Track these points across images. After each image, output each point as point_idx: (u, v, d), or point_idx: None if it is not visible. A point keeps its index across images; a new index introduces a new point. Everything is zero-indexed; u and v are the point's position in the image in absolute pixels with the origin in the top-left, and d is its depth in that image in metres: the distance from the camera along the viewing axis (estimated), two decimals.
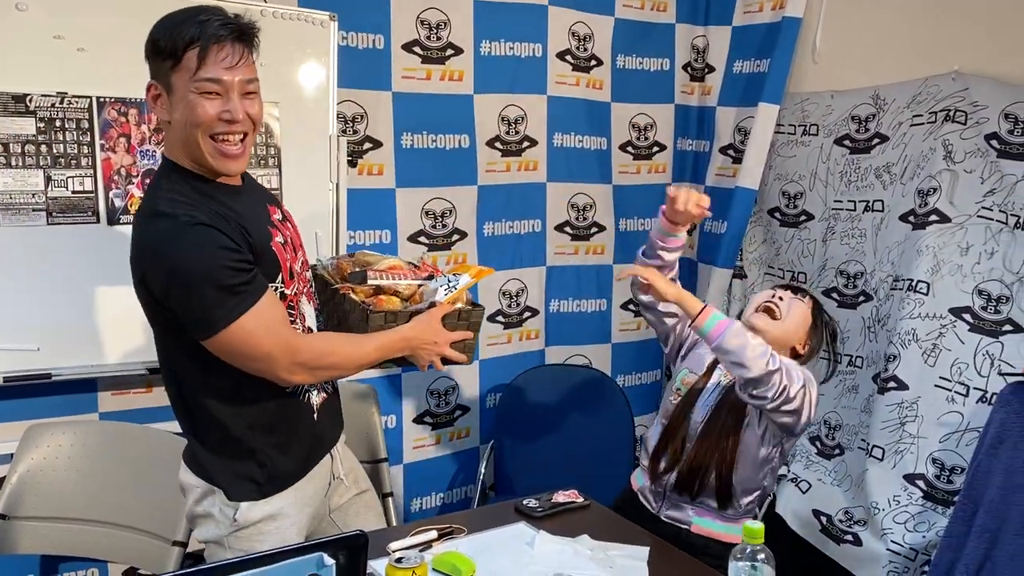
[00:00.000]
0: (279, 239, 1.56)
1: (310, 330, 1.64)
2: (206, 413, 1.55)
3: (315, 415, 1.65)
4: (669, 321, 2.09)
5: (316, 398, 1.65)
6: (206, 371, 1.50)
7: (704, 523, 1.92)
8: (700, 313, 1.74)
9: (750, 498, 1.92)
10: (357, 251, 1.85)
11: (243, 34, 1.44)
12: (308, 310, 1.65)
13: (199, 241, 1.39)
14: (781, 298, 1.94)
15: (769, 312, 1.92)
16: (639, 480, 2.05)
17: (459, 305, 1.68)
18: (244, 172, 1.58)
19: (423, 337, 1.61)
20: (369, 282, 1.65)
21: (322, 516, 1.76)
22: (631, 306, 3.25)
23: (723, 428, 1.87)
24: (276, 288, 1.52)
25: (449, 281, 1.71)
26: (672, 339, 2.11)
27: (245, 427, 1.56)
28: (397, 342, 1.59)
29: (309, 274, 1.71)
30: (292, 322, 1.56)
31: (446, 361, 1.67)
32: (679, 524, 1.94)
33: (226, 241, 1.40)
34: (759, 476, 1.91)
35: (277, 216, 1.62)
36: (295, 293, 1.59)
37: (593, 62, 3.10)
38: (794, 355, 1.95)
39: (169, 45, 1.40)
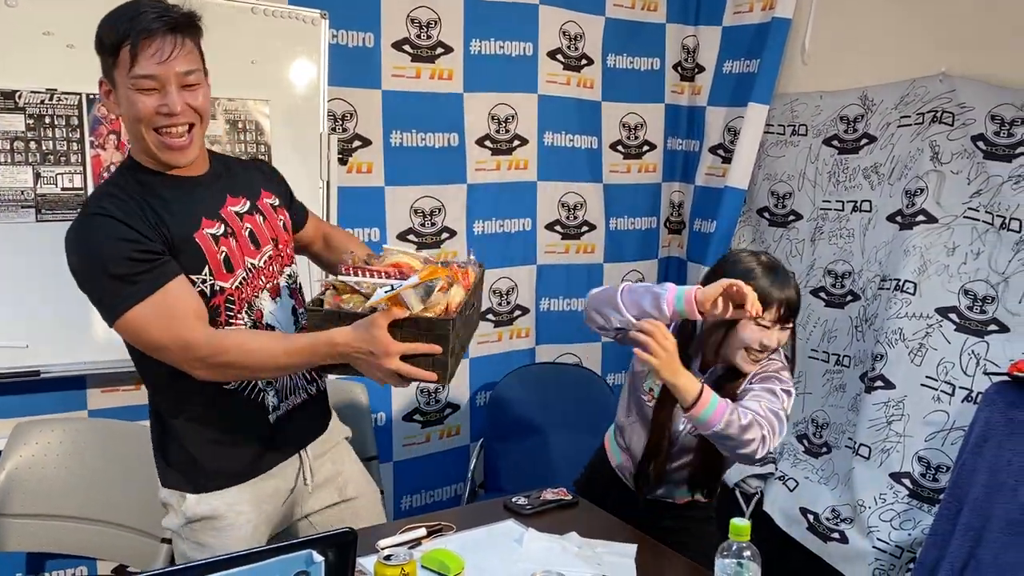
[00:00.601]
0: (214, 231, 1.51)
1: (269, 327, 1.58)
2: (150, 400, 1.60)
3: (271, 416, 1.60)
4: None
5: (273, 399, 1.60)
6: (141, 358, 1.52)
7: (685, 493, 1.94)
8: (698, 400, 1.60)
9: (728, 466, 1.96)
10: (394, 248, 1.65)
11: (177, 25, 1.42)
12: (269, 305, 1.59)
13: (100, 232, 1.41)
14: (770, 347, 1.75)
15: (757, 359, 1.78)
16: (617, 457, 2.01)
17: (414, 313, 1.42)
18: (228, 160, 1.65)
19: (356, 345, 1.40)
20: (340, 277, 1.50)
21: (290, 518, 1.72)
22: None
23: (703, 444, 1.83)
24: (204, 281, 1.48)
25: (408, 282, 1.45)
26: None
27: (181, 418, 1.56)
28: (322, 347, 1.42)
29: (290, 269, 1.67)
30: (234, 317, 1.51)
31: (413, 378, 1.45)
32: (664, 499, 1.96)
33: (126, 232, 1.40)
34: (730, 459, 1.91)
35: (238, 207, 1.57)
36: (240, 287, 1.53)
37: (584, 61, 3.11)
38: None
39: (107, 42, 1.41)
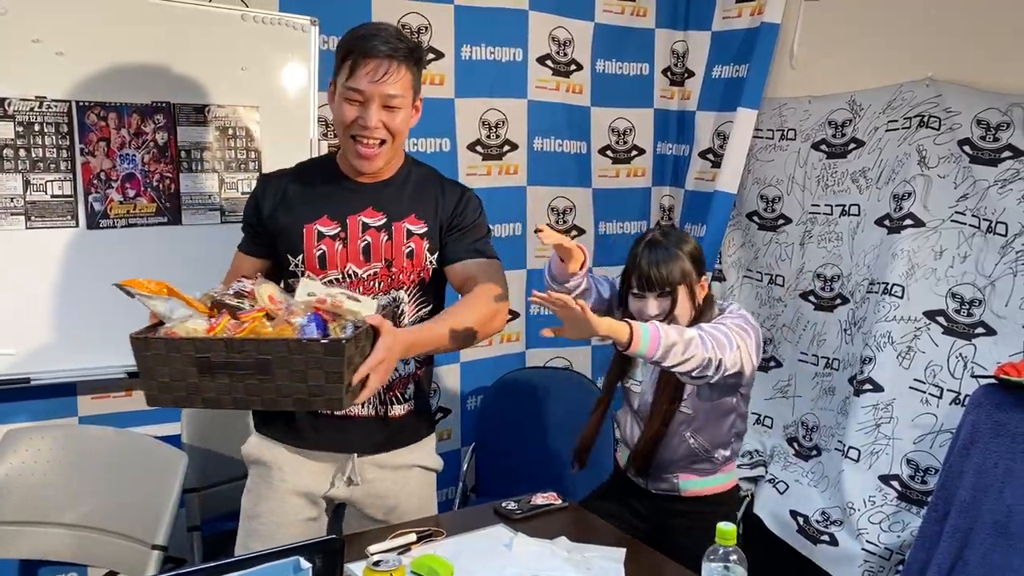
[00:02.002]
0: (326, 229, 1.68)
1: None
2: None
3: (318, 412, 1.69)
4: (605, 297, 2.07)
5: None
6: None
7: (691, 485, 2.00)
8: (631, 337, 1.64)
9: (725, 451, 2.00)
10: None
11: (397, 54, 1.59)
12: None
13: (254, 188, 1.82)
14: (656, 315, 1.87)
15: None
16: (623, 456, 2.11)
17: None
18: (423, 179, 1.76)
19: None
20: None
21: (346, 501, 1.80)
22: None
23: (666, 409, 1.94)
24: (297, 265, 1.69)
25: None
26: (615, 314, 2.06)
27: None
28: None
29: (398, 293, 1.72)
30: None
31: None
32: (670, 493, 2.01)
33: (254, 200, 1.76)
34: (724, 428, 1.98)
35: (370, 219, 1.69)
36: (330, 285, 1.62)
37: (573, 67, 3.12)
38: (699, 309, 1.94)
39: (340, 52, 1.62)
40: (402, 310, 1.73)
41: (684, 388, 1.94)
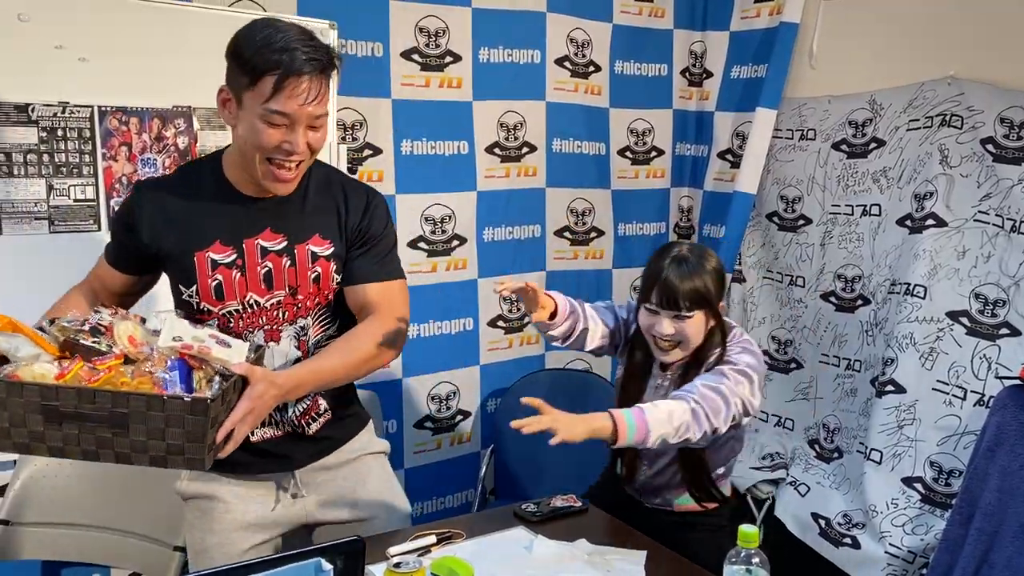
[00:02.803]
0: (219, 257, 1.53)
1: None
2: None
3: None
4: (600, 353, 2.00)
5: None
6: None
7: (684, 500, 1.93)
8: (615, 431, 1.59)
9: (720, 469, 1.90)
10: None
11: (325, 68, 1.43)
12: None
13: (127, 198, 1.64)
14: (667, 335, 1.78)
15: (664, 347, 1.81)
16: (618, 466, 2.04)
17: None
18: (327, 186, 1.61)
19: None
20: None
21: (300, 522, 1.71)
22: None
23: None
24: (191, 296, 1.54)
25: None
26: (621, 347, 2.03)
27: None
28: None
29: (305, 321, 1.60)
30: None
31: None
32: (662, 508, 1.95)
33: (128, 214, 1.58)
34: (719, 456, 1.88)
35: (269, 243, 1.55)
36: (230, 316, 1.55)
37: (591, 68, 3.12)
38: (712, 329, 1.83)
39: (249, 65, 1.39)
40: (307, 335, 1.60)
41: None
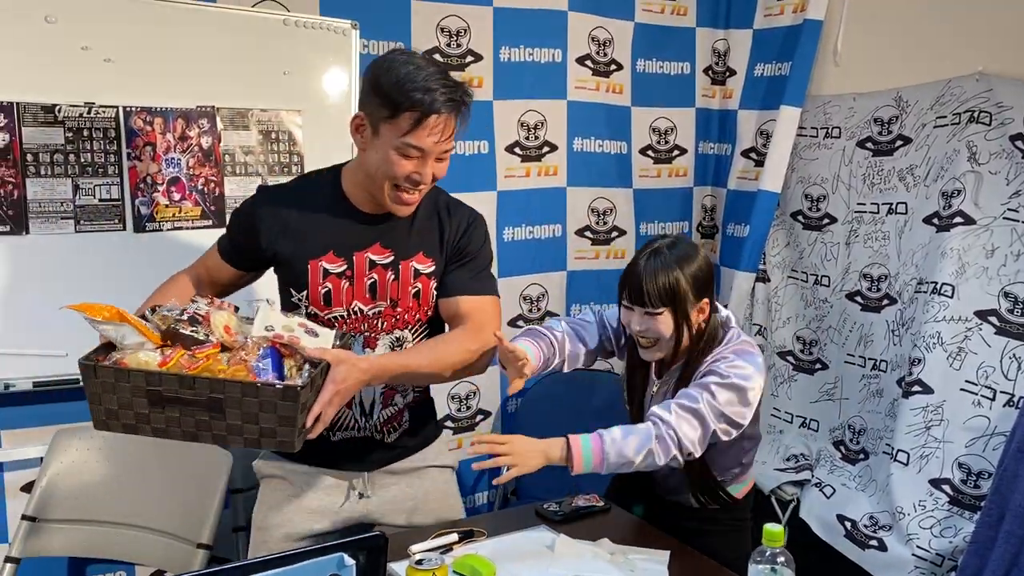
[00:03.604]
0: (331, 266, 1.63)
1: None
2: None
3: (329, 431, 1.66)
4: (589, 364, 1.99)
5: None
6: None
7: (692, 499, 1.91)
8: (571, 458, 1.59)
9: (735, 468, 1.87)
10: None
11: (459, 107, 1.52)
12: (357, 350, 1.65)
13: (245, 201, 1.74)
14: (639, 331, 1.75)
15: (643, 345, 1.79)
16: None
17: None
18: (434, 210, 1.71)
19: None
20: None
21: (363, 517, 1.77)
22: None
23: None
24: (301, 300, 1.64)
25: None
26: (619, 350, 2.01)
27: None
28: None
29: (402, 333, 1.69)
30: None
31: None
32: (679, 501, 1.92)
33: (250, 220, 1.66)
34: (727, 458, 1.84)
35: (377, 257, 1.64)
36: (335, 322, 1.64)
37: (613, 67, 3.11)
38: (699, 332, 1.78)
39: (390, 99, 1.48)
40: (402, 347, 1.69)
41: None
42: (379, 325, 1.66)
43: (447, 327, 1.72)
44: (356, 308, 1.65)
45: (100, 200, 2.18)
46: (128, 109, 2.18)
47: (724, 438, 1.69)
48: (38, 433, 2.23)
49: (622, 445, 1.60)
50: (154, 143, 2.22)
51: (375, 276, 1.65)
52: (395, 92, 1.47)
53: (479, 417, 3.02)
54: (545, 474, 2.86)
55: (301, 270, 1.63)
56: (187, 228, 2.28)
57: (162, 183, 2.24)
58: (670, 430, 1.62)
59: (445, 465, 1.87)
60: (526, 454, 1.59)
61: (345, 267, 1.63)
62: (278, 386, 1.35)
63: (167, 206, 2.25)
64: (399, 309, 1.67)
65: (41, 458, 2.15)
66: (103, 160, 2.17)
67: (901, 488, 2.46)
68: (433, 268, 1.68)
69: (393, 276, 1.65)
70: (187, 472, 2.12)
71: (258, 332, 1.44)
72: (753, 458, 1.93)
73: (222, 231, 1.79)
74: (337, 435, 1.71)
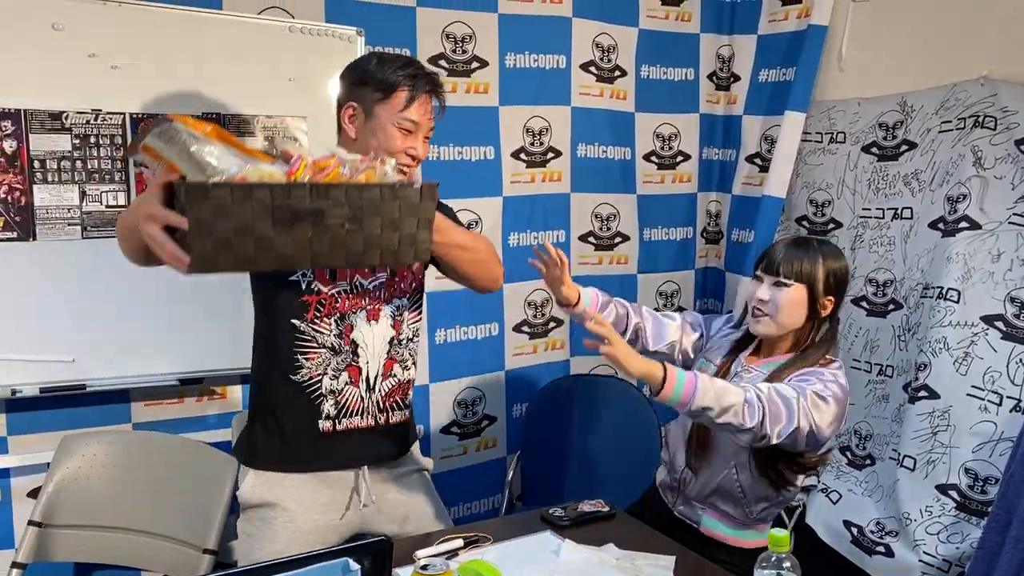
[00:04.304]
0: None
1: (354, 343, 1.71)
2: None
3: (322, 423, 1.70)
4: (663, 357, 2.00)
5: (331, 408, 1.70)
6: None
7: (712, 524, 1.90)
8: (665, 380, 1.59)
9: (765, 504, 1.86)
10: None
11: (439, 93, 1.73)
12: (362, 325, 1.71)
13: None
14: (762, 300, 1.81)
15: (757, 314, 1.83)
16: (661, 474, 2.07)
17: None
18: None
19: (136, 207, 1.46)
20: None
21: (359, 532, 1.79)
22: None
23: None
24: (304, 275, 1.64)
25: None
26: (680, 359, 2.05)
27: (257, 397, 1.76)
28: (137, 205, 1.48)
29: (400, 301, 1.77)
30: (320, 319, 1.66)
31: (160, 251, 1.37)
32: (689, 521, 1.94)
33: None
34: (771, 486, 1.84)
35: None
36: (337, 296, 1.68)
37: (617, 73, 3.11)
38: (809, 329, 1.84)
39: (386, 82, 1.66)
40: (402, 316, 1.78)
41: None
42: (380, 295, 1.74)
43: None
44: (358, 282, 1.71)
45: (107, 206, 2.19)
46: (135, 116, 2.19)
47: (779, 439, 1.65)
48: (45, 439, 2.24)
49: (715, 391, 1.60)
50: None
51: None
52: (389, 76, 1.66)
53: (485, 423, 3.02)
54: (551, 480, 2.87)
55: None
56: None
57: None
58: (762, 402, 1.62)
59: (426, 469, 1.93)
60: (630, 354, 1.61)
61: None
62: (416, 185, 1.35)
63: None
64: (397, 279, 1.76)
65: (48, 464, 2.16)
66: (110, 167, 2.18)
67: (908, 494, 2.45)
68: None
69: None
70: (193, 477, 2.13)
71: (348, 156, 1.41)
72: (777, 514, 1.92)
73: None
74: (343, 422, 1.72)
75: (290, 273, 1.63)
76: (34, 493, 2.17)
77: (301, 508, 1.71)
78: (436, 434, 2.91)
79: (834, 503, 2.69)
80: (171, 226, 1.31)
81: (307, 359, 1.67)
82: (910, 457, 2.47)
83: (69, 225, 2.15)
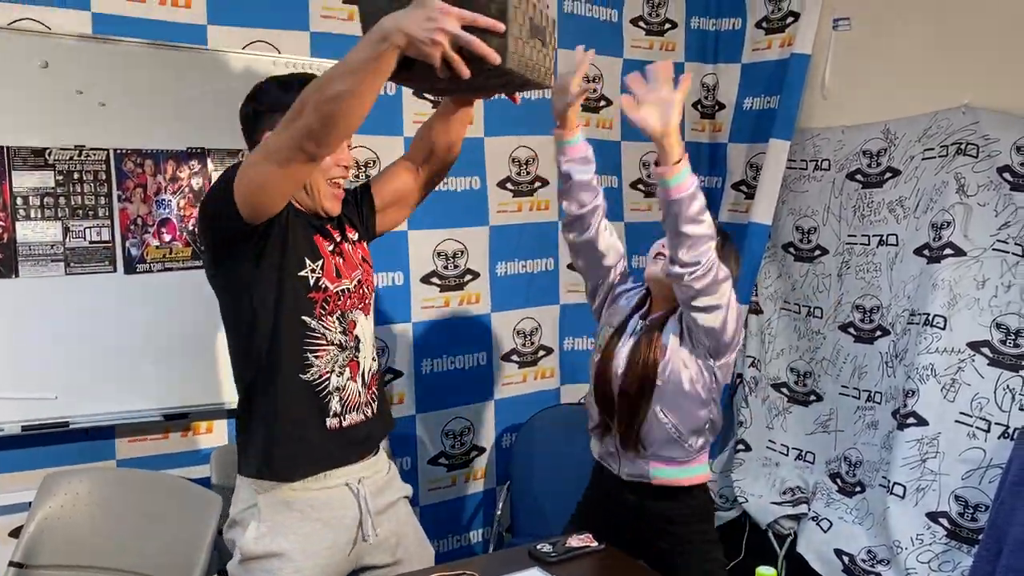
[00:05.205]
0: (327, 245, 1.70)
1: (357, 339, 1.72)
2: (240, 405, 1.74)
3: (329, 420, 1.68)
4: (604, 264, 2.07)
5: (337, 405, 1.68)
6: (236, 349, 1.72)
7: (662, 473, 1.94)
8: (678, 163, 1.67)
9: (700, 438, 1.92)
10: None
11: None
12: (362, 320, 1.74)
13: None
14: (660, 251, 1.93)
15: (660, 257, 1.91)
16: (596, 448, 2.09)
17: None
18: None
19: (405, 16, 1.35)
20: None
21: (355, 568, 1.77)
22: None
23: (642, 371, 1.87)
24: (314, 271, 1.65)
25: None
26: (600, 293, 2.11)
27: (257, 415, 1.67)
28: (372, 33, 1.37)
29: (367, 291, 1.79)
30: (326, 315, 1.66)
31: (473, 60, 1.35)
32: (641, 479, 1.95)
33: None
34: (698, 413, 1.89)
35: (336, 236, 1.74)
36: (340, 295, 1.69)
37: (602, 102, 3.13)
38: None
39: (288, 104, 1.52)
40: (372, 308, 1.81)
41: (661, 360, 1.87)
42: (365, 291, 1.76)
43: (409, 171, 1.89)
44: (356, 279, 1.73)
45: (90, 242, 2.18)
46: (119, 151, 2.19)
47: (702, 283, 1.72)
48: (26, 477, 2.21)
49: (699, 203, 1.67)
50: (145, 184, 2.22)
51: (347, 250, 1.76)
52: (294, 96, 1.51)
53: (474, 454, 3.00)
54: (541, 511, 2.84)
55: (312, 244, 1.67)
56: (178, 268, 2.28)
57: (152, 224, 2.24)
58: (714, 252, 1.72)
59: (406, 495, 1.91)
60: (653, 117, 1.65)
61: (333, 245, 1.71)
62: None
63: (157, 247, 2.25)
64: (364, 273, 1.78)
65: (30, 503, 2.12)
66: (93, 202, 2.17)
67: (898, 521, 2.44)
68: (358, 236, 1.81)
69: (350, 246, 1.77)
70: (176, 515, 2.10)
71: None
72: (711, 441, 1.97)
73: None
74: (347, 418, 1.70)
75: (301, 267, 1.63)
76: (16, 533, 2.14)
77: (305, 556, 1.66)
78: (424, 465, 2.89)
79: (825, 531, 2.67)
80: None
81: (316, 357, 1.64)
82: (900, 484, 2.46)
83: (52, 261, 2.14)
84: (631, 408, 1.90)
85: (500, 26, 1.33)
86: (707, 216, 1.70)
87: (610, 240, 2.06)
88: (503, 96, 1.70)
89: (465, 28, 1.34)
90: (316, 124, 1.40)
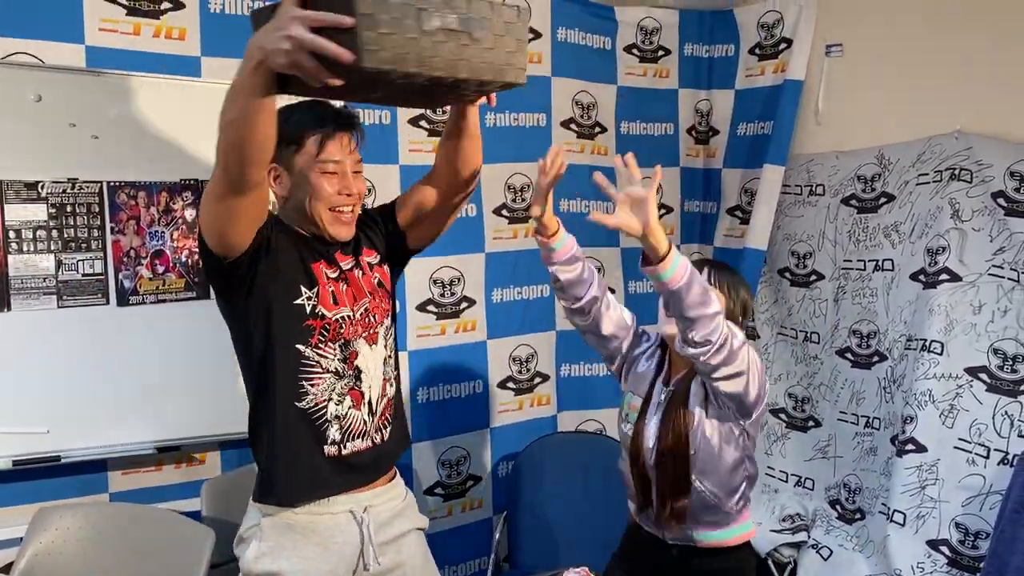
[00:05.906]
0: (329, 272, 1.69)
1: (358, 368, 1.69)
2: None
3: (327, 447, 1.66)
4: (612, 344, 2.02)
5: (336, 434, 1.66)
6: (248, 373, 1.71)
7: (708, 537, 1.90)
8: (666, 257, 1.59)
9: (736, 496, 1.87)
10: None
11: (351, 125, 1.67)
12: (364, 350, 1.71)
13: None
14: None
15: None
16: (632, 509, 2.03)
17: None
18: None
19: (263, 30, 1.31)
20: None
21: None
22: None
23: (674, 444, 1.83)
24: (309, 299, 1.64)
25: None
26: (617, 360, 2.06)
27: (262, 438, 1.67)
28: (245, 52, 1.35)
29: (388, 321, 1.79)
30: (324, 344, 1.65)
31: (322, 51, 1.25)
32: (687, 544, 1.92)
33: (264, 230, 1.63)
34: (733, 474, 1.85)
35: (345, 263, 1.73)
36: (341, 323, 1.67)
37: (597, 129, 3.14)
38: None
39: (295, 133, 1.61)
40: (389, 335, 1.79)
41: (692, 427, 1.84)
42: (372, 320, 1.73)
43: (424, 195, 1.83)
44: (363, 307, 1.72)
45: (83, 275, 2.17)
46: (112, 184, 2.18)
47: (719, 357, 1.67)
48: (18, 512, 2.19)
49: (702, 286, 1.61)
50: (138, 216, 2.22)
51: (355, 276, 1.74)
52: (295, 126, 1.61)
53: (470, 483, 2.98)
54: (538, 540, 2.82)
55: (310, 272, 1.66)
56: (171, 300, 2.27)
57: (146, 256, 2.23)
58: (728, 328, 1.66)
59: (421, 528, 1.88)
60: (631, 219, 1.64)
61: (337, 272, 1.71)
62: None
63: (151, 279, 2.24)
64: (376, 300, 1.76)
65: (21, 538, 2.10)
66: (86, 235, 2.17)
67: (899, 550, 2.42)
68: (377, 260, 1.80)
69: (360, 273, 1.75)
70: (169, 549, 2.08)
71: None
72: (750, 496, 1.92)
73: (207, 302, 1.79)
74: (348, 446, 1.68)
75: (296, 295, 1.62)
76: (7, 569, 2.12)
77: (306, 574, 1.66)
78: (420, 495, 2.86)
79: (825, 559, 2.65)
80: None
81: (312, 385, 1.64)
82: (900, 512, 2.44)
83: (45, 294, 2.13)
84: (672, 490, 1.86)
85: (346, 21, 1.21)
86: (710, 295, 1.62)
87: (615, 319, 2.01)
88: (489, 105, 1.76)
89: (321, 31, 1.24)
90: (225, 153, 1.44)
